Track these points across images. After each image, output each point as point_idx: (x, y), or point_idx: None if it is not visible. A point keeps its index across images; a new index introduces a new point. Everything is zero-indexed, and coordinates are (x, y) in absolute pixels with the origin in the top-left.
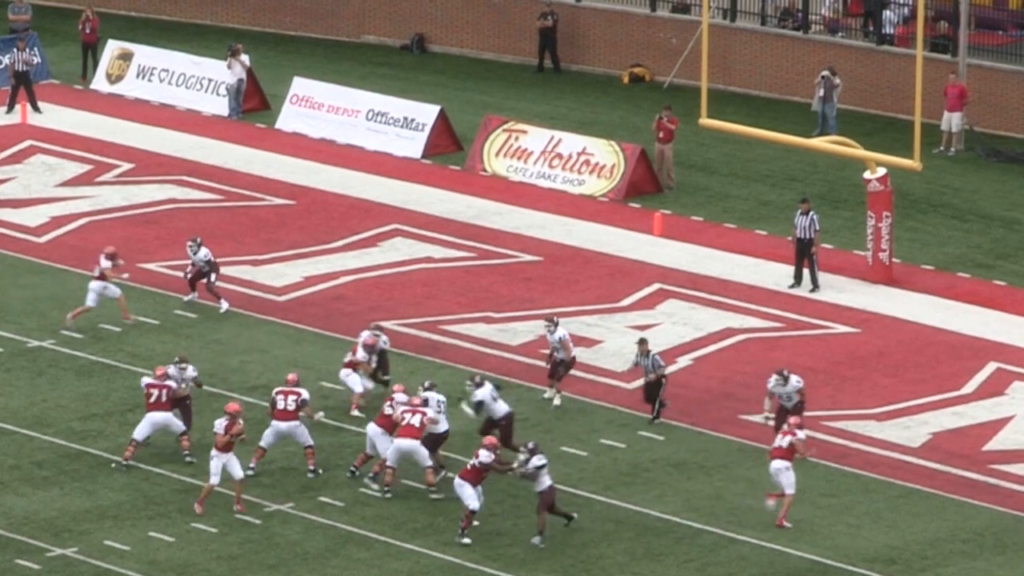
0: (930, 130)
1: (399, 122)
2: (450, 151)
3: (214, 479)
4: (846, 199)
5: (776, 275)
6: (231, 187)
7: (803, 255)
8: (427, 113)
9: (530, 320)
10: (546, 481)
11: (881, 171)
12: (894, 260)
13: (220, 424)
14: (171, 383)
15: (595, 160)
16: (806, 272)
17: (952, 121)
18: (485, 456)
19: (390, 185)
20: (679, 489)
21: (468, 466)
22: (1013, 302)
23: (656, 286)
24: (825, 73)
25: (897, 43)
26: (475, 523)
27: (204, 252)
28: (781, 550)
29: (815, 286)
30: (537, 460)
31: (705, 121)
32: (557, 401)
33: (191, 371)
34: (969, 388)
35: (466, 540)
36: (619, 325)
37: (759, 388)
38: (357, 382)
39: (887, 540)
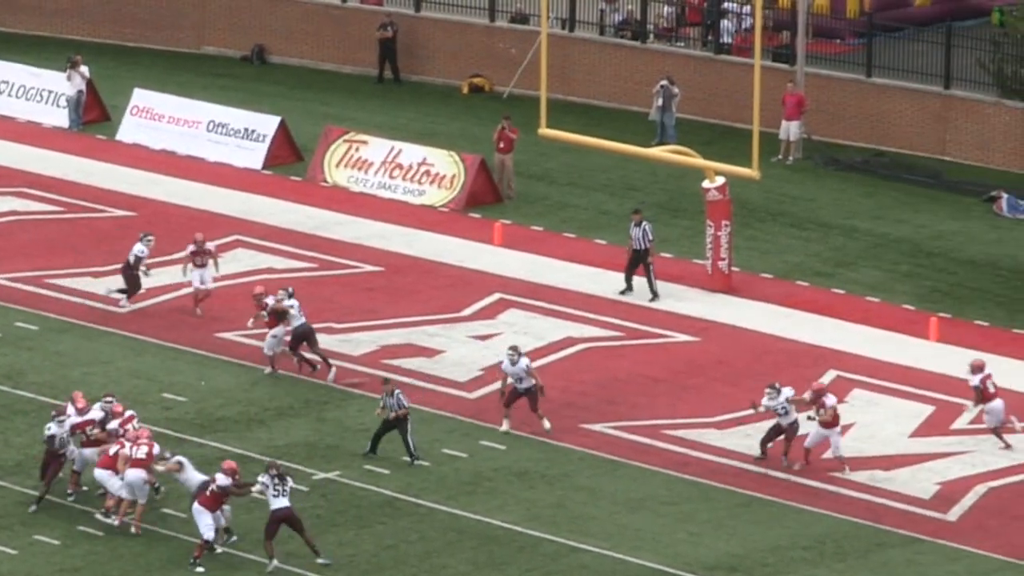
0: (769, 139)
1: (240, 133)
2: (291, 162)
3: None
4: (685, 208)
5: (616, 284)
6: (72, 199)
7: (636, 264)
8: (268, 124)
9: (372, 331)
10: (283, 502)
11: (720, 180)
12: (733, 269)
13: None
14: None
15: (435, 170)
16: (641, 280)
17: (790, 130)
18: (223, 480)
19: (231, 196)
20: (521, 498)
21: (207, 492)
22: (851, 310)
23: (497, 296)
24: (663, 82)
25: (736, 52)
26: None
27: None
28: (622, 558)
29: (654, 295)
30: (268, 480)
31: (545, 131)
32: (547, 424)
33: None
34: (808, 396)
35: (200, 569)
36: (461, 335)
37: (599, 396)
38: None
39: (728, 548)
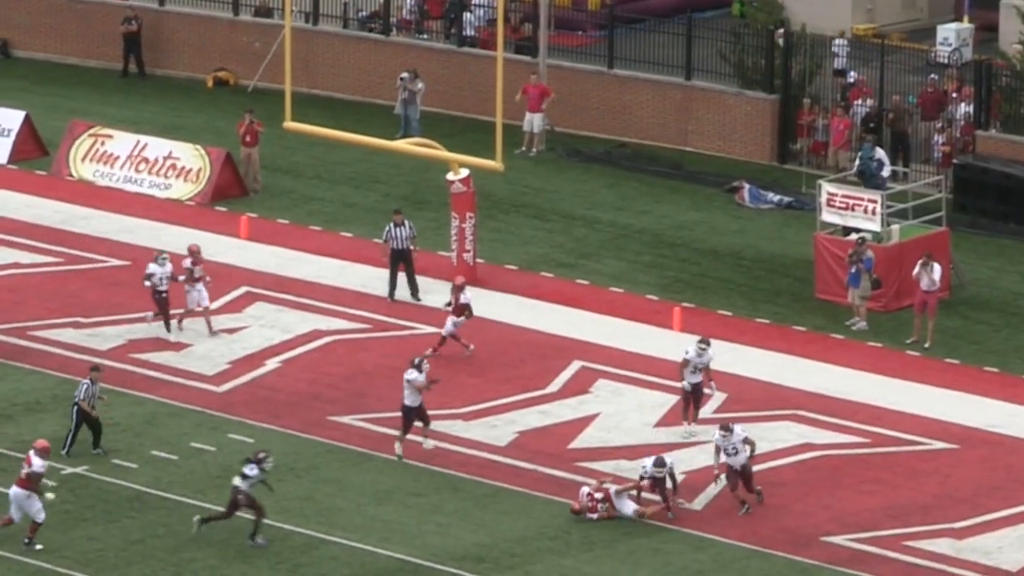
0: (512, 131)
1: None
2: (36, 156)
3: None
4: (430, 200)
5: (362, 277)
6: None
7: (398, 264)
8: (12, 119)
9: (119, 325)
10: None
11: (464, 172)
12: (478, 260)
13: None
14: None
15: (181, 164)
16: (402, 278)
17: (534, 122)
18: (38, 464)
19: None
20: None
21: (22, 474)
22: (596, 301)
23: (244, 289)
24: (404, 75)
25: (480, 45)
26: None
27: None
28: (372, 550)
29: (414, 293)
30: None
31: (290, 124)
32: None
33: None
34: (554, 387)
35: (39, 546)
36: (207, 329)
37: (346, 389)
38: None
39: (476, 538)
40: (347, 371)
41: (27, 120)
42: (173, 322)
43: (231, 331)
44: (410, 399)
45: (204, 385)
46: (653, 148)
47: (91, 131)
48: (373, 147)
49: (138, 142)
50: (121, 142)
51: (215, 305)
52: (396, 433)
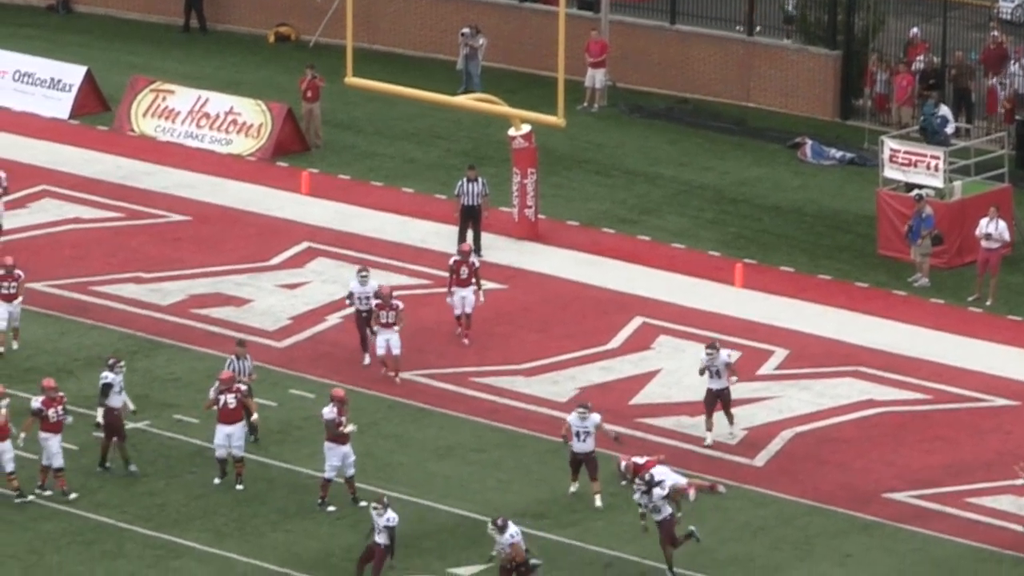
0: (574, 87)
1: (46, 83)
2: (97, 112)
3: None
4: (491, 156)
5: (423, 232)
6: None
7: (468, 220)
8: (74, 74)
9: (180, 280)
10: None
11: (525, 128)
12: (539, 216)
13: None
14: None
15: (242, 119)
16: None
17: (595, 77)
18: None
19: (38, 146)
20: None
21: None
22: (657, 257)
23: (305, 244)
24: (466, 31)
25: (542, 0)
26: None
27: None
28: (432, 505)
29: (477, 251)
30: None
31: (351, 80)
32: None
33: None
34: (615, 343)
35: (48, 492)
36: (269, 284)
37: (408, 345)
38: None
39: (536, 494)
40: (408, 327)
41: (89, 75)
42: None
43: (291, 286)
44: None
45: (265, 340)
46: (715, 104)
47: (152, 86)
48: (434, 103)
49: (199, 97)
50: (182, 97)
51: (275, 260)
52: (456, 390)
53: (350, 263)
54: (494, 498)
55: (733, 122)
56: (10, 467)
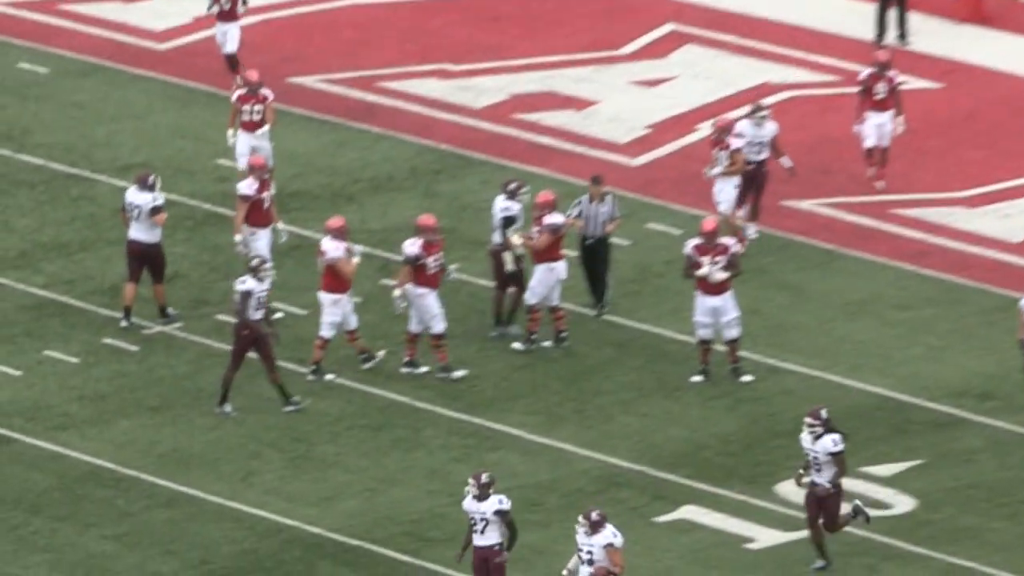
0: None
1: None
2: None
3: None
4: None
5: (831, 10)
6: None
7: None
8: None
9: (499, 74)
10: None
11: None
12: None
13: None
14: None
15: None
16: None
17: None
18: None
19: None
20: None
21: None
22: None
23: (669, 27)
24: None
25: None
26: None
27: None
28: (839, 382)
29: (903, 35)
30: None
31: None
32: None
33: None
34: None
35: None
36: (620, 80)
37: (808, 164)
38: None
39: (979, 367)
40: (809, 139)
41: None
42: None
43: (652, 83)
44: None
45: (615, 156)
46: None
47: None
48: None
49: None
50: None
51: (628, 49)
52: (872, 224)
53: (730, 52)
54: (924, 371)
55: None
56: (353, 322)
